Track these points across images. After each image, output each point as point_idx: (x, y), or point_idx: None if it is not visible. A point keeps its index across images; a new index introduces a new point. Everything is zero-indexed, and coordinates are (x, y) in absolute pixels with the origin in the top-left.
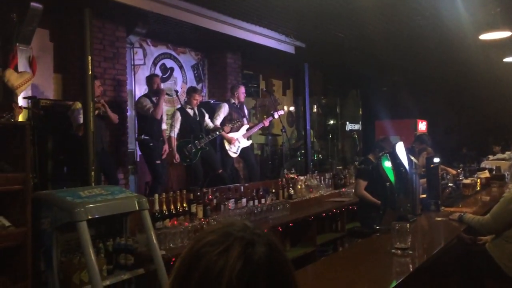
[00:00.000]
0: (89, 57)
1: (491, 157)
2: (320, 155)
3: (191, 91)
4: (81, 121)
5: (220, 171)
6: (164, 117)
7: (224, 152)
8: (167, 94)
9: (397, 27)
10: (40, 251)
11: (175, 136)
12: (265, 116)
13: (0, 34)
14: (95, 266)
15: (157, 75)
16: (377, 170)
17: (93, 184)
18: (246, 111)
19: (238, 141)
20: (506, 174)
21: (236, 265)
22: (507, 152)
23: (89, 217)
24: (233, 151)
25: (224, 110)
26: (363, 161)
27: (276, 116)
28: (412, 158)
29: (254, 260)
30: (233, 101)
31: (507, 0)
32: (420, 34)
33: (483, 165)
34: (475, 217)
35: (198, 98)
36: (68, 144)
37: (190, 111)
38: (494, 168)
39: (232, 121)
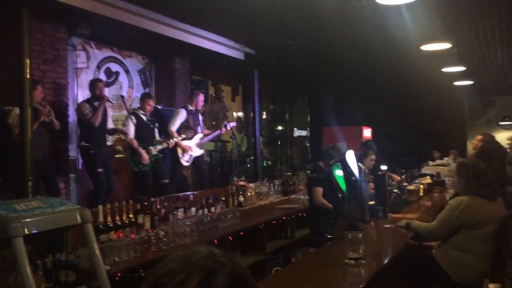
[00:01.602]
0: (27, 60)
1: (430, 163)
2: (269, 162)
3: (145, 97)
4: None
5: (167, 181)
6: (111, 123)
7: (176, 160)
8: (108, 101)
9: (344, 36)
10: None
11: (133, 137)
12: (213, 122)
13: None
14: (33, 286)
15: (100, 80)
16: (328, 178)
17: (30, 195)
18: (201, 119)
19: (191, 150)
20: (446, 180)
21: None
22: (446, 158)
23: (26, 232)
24: (185, 159)
25: (181, 116)
26: (314, 169)
27: (229, 127)
28: (361, 165)
29: None
30: (190, 107)
31: (448, 13)
32: (366, 43)
33: (423, 170)
34: (421, 223)
35: (151, 104)
36: (3, 152)
37: (144, 117)
38: (435, 173)
39: (188, 129)
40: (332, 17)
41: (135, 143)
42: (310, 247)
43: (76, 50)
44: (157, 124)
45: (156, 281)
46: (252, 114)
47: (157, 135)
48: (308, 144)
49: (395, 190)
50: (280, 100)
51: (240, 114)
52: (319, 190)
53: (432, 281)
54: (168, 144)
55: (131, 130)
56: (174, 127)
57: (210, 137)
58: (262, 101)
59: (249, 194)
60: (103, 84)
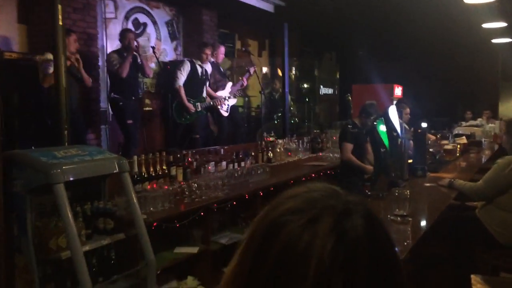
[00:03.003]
0: (59, 6)
1: (463, 123)
2: (296, 119)
3: (201, 46)
4: (50, 71)
5: (197, 136)
6: (150, 74)
7: (217, 112)
8: (135, 52)
9: None
10: (12, 215)
11: (182, 85)
12: (240, 77)
13: None
14: (74, 231)
15: (130, 31)
16: (371, 134)
17: (66, 144)
18: (224, 72)
19: (227, 99)
20: (483, 141)
21: (327, 241)
22: (479, 119)
23: (67, 179)
24: (224, 109)
25: (186, 68)
26: (347, 124)
27: (251, 71)
28: (404, 123)
29: (350, 237)
30: (212, 59)
31: None
32: None
33: (456, 131)
34: (466, 183)
35: (208, 53)
36: (37, 101)
37: (199, 68)
38: (469, 134)
39: (218, 81)
40: None
41: (183, 92)
42: None
43: (105, 0)
44: (209, 80)
45: (276, 220)
46: (279, 70)
47: (205, 91)
48: (350, 98)
49: (431, 149)
50: (308, 56)
51: (266, 69)
52: (348, 145)
53: (476, 241)
54: (216, 103)
55: (182, 77)
56: (180, 80)
57: (238, 84)
58: (290, 56)
59: (278, 150)
60: (133, 35)
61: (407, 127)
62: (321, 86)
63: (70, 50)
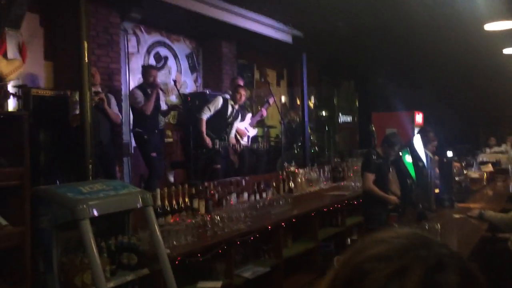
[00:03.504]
0: (85, 43)
1: (488, 150)
2: (316, 148)
3: (237, 86)
4: (78, 112)
5: (218, 166)
6: (163, 107)
7: (239, 144)
8: (161, 89)
9: (400, 15)
10: (39, 251)
11: (205, 119)
12: (259, 107)
13: None
14: (100, 268)
15: (154, 67)
16: (396, 165)
17: (90, 178)
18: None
19: (247, 130)
20: (510, 168)
21: None
22: (503, 145)
23: (92, 215)
24: (244, 141)
25: (216, 104)
26: (369, 153)
27: (271, 102)
28: (428, 152)
29: None
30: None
31: None
32: (424, 22)
33: (480, 158)
34: (497, 214)
35: (243, 93)
36: (62, 136)
37: (230, 108)
38: (494, 161)
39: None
40: None
41: (204, 126)
42: None
43: (127, 35)
44: (238, 120)
45: (360, 266)
46: (298, 99)
47: (232, 131)
48: (373, 129)
49: (456, 178)
50: (326, 85)
51: (285, 99)
52: (370, 175)
53: (509, 275)
54: (234, 146)
55: (209, 112)
56: (204, 115)
57: (258, 115)
58: (308, 85)
59: (299, 180)
60: (156, 71)
61: (431, 156)
62: (340, 114)
63: (94, 84)
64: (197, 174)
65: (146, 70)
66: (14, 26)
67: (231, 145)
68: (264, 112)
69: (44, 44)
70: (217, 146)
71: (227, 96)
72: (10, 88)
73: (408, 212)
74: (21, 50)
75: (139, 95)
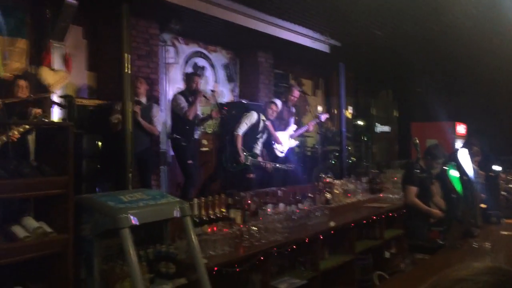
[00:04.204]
0: (127, 55)
1: None
2: (353, 158)
3: (270, 103)
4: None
5: (252, 175)
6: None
7: (273, 153)
8: (204, 96)
9: (442, 23)
10: (80, 259)
11: (242, 135)
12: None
13: (34, 30)
14: (140, 276)
15: (197, 74)
16: (441, 179)
17: (130, 187)
18: (293, 111)
19: (286, 141)
20: None
21: None
22: None
23: (133, 223)
24: (279, 150)
25: (251, 119)
26: (412, 166)
27: (323, 119)
28: (474, 166)
29: None
30: (284, 99)
31: None
32: (464, 33)
33: None
34: None
35: (275, 109)
36: (104, 145)
37: (261, 123)
38: None
39: (282, 120)
40: (430, 2)
41: (240, 141)
42: (418, 253)
43: (166, 46)
44: (265, 136)
45: None
46: (335, 109)
47: (258, 147)
48: (417, 142)
49: (503, 192)
50: (363, 95)
51: (321, 108)
52: (412, 188)
53: None
54: (263, 164)
55: (245, 127)
56: (241, 130)
57: (303, 128)
58: (345, 95)
59: (336, 191)
60: (199, 78)
61: (478, 170)
62: (377, 124)
63: (140, 95)
64: (231, 184)
65: (190, 76)
66: (58, 38)
67: (260, 162)
68: (311, 127)
69: (87, 55)
70: (248, 162)
71: (260, 113)
72: (55, 97)
73: (454, 228)
74: (66, 61)
75: (182, 100)
